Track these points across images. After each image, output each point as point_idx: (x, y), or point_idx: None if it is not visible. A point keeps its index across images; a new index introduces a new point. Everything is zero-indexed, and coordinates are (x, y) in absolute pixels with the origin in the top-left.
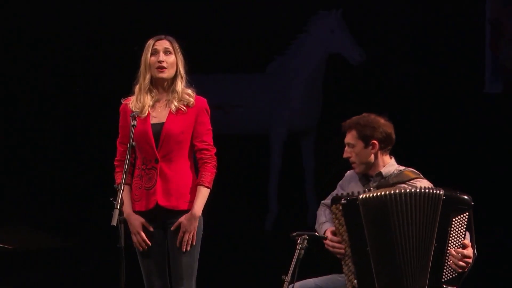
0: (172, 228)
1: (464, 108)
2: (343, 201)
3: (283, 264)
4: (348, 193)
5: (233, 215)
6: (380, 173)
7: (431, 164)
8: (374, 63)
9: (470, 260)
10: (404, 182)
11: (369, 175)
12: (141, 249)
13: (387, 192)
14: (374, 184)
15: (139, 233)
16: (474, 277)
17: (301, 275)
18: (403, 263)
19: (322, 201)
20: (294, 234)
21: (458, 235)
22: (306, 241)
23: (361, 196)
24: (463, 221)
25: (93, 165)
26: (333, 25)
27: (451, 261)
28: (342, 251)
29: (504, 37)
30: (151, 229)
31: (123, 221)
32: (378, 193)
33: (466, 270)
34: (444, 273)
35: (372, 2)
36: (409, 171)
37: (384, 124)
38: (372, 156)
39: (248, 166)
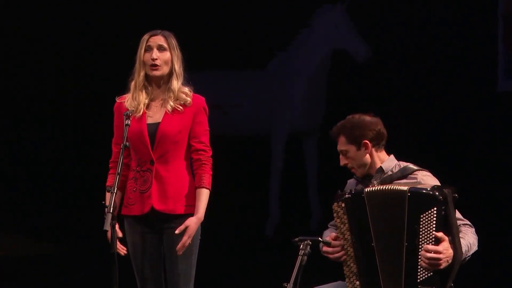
0: (177, 231)
1: (477, 108)
2: (347, 196)
3: (284, 271)
4: (350, 190)
5: (232, 219)
6: (380, 168)
7: (443, 165)
8: (381, 59)
9: (441, 256)
10: (408, 175)
11: (370, 175)
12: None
13: (391, 187)
14: (378, 181)
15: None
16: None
17: (303, 282)
18: (390, 262)
19: (330, 223)
20: (297, 239)
21: (428, 232)
22: (309, 246)
23: (366, 189)
24: (431, 217)
25: (84, 168)
26: (338, 19)
27: (421, 260)
28: (341, 253)
29: None
30: (120, 234)
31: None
32: (383, 187)
33: (440, 267)
34: (418, 273)
35: None
36: (411, 165)
37: (371, 122)
38: (368, 156)
39: (248, 169)
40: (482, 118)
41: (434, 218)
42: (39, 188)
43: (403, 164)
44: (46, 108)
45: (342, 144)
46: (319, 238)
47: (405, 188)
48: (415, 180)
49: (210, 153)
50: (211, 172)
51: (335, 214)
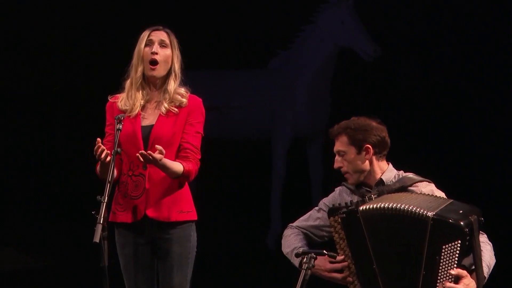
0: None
1: (491, 109)
2: (341, 214)
3: (287, 286)
4: (346, 203)
5: (231, 230)
6: (381, 181)
7: (459, 165)
8: (390, 58)
9: None
10: (407, 187)
11: (366, 184)
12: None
13: (388, 205)
14: (375, 194)
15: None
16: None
17: None
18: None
19: (291, 224)
20: (300, 252)
21: (448, 265)
22: (313, 260)
23: (361, 208)
24: (455, 249)
25: (75, 175)
26: (344, 15)
27: None
28: (343, 275)
29: None
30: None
31: (107, 237)
32: (380, 205)
33: None
34: None
35: None
36: (411, 175)
37: (377, 127)
38: (367, 163)
39: (247, 175)
40: (496, 119)
41: (458, 250)
42: (26, 199)
43: (402, 174)
44: (36, 116)
45: (341, 144)
46: (324, 251)
47: (429, 214)
48: (413, 193)
49: (199, 156)
50: (195, 172)
51: (332, 229)
